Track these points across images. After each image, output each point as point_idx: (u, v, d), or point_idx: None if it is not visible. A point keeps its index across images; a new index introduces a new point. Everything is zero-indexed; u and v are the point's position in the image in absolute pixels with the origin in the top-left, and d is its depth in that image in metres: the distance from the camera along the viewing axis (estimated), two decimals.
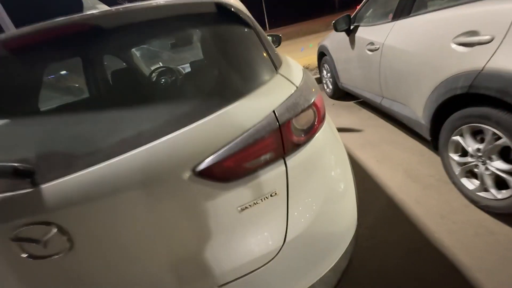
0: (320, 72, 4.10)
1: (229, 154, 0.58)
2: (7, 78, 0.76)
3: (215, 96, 0.68)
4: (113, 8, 0.76)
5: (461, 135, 1.50)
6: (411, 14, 1.85)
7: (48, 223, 0.54)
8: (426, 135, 1.80)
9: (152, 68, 1.11)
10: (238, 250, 0.64)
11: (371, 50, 2.29)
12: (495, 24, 1.21)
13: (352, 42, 2.67)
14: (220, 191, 0.59)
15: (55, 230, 0.54)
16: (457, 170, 1.60)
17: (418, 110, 1.81)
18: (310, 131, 0.70)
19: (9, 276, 0.59)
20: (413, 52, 1.75)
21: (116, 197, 0.55)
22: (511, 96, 1.14)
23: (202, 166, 0.57)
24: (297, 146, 0.67)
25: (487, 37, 1.24)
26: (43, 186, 0.54)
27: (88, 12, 0.73)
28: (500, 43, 1.18)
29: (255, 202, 0.62)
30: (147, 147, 0.56)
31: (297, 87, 0.70)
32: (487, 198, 1.42)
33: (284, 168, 0.65)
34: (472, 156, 1.47)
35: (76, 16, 0.72)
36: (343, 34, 2.82)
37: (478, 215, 1.46)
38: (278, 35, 2.67)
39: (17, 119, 0.75)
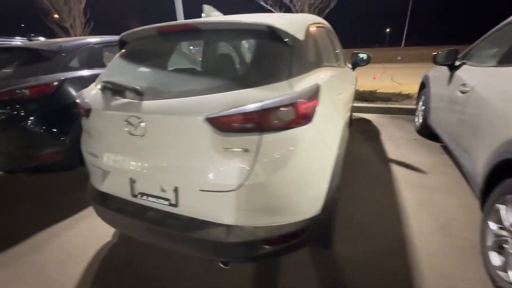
0: (417, 103, 3.77)
1: (226, 115, 0.98)
2: (156, 47, 1.40)
3: (237, 81, 1.09)
4: (212, 18, 1.27)
5: (506, 204, 1.35)
6: None
7: (139, 118, 1.11)
8: (478, 194, 1.64)
9: (217, 54, 1.61)
10: (212, 175, 1.05)
11: (461, 92, 2.10)
12: None
13: (451, 79, 2.45)
14: (216, 134, 1.00)
15: (142, 123, 1.11)
16: (490, 241, 1.44)
17: (479, 166, 1.65)
18: (287, 123, 1.00)
19: (117, 141, 1.22)
20: (496, 103, 1.60)
21: (170, 117, 1.06)
22: None
23: (210, 116, 0.99)
24: (274, 128, 0.99)
25: None
26: (144, 101, 1.12)
27: (203, 18, 1.27)
28: None
29: (233, 149, 1.00)
30: (194, 97, 1.04)
31: (290, 93, 1.02)
32: (504, 280, 1.27)
33: (260, 137, 0.99)
34: (507, 229, 1.32)
35: (194, 20, 1.27)
36: (446, 69, 2.60)
37: None
38: (367, 55, 2.75)
39: (150, 67, 1.38)
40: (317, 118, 1.12)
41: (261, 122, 0.98)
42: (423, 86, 3.47)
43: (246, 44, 1.24)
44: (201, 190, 1.09)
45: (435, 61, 2.51)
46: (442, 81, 2.70)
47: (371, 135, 3.62)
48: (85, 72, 2.48)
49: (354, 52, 2.85)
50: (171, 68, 1.36)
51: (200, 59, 1.42)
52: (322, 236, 1.43)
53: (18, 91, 2.09)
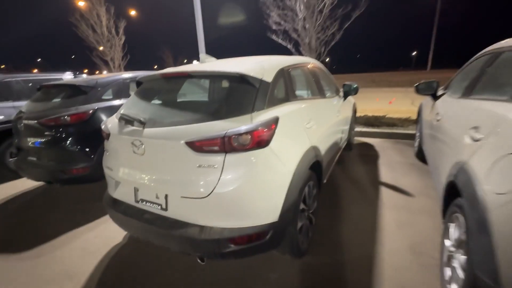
0: (416, 128, 3.89)
1: (198, 140, 1.32)
2: (159, 87, 1.84)
3: (211, 115, 1.44)
4: (198, 66, 1.68)
5: (453, 222, 1.51)
6: (468, 96, 1.85)
7: (141, 141, 1.50)
8: (441, 216, 1.78)
9: (200, 93, 2.04)
10: (190, 185, 1.37)
11: (436, 120, 2.29)
12: (487, 124, 1.29)
13: (433, 108, 2.64)
14: (192, 154, 1.34)
15: (142, 145, 1.49)
16: (445, 256, 1.57)
17: (440, 188, 1.81)
18: (246, 147, 1.32)
19: (126, 158, 1.62)
20: (451, 131, 1.79)
21: (161, 141, 1.44)
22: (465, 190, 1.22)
23: (188, 140, 1.35)
24: (235, 150, 1.31)
25: (479, 136, 1.32)
26: (145, 129, 1.51)
27: (196, 64, 1.69)
28: (482, 144, 1.26)
29: (204, 166, 1.33)
30: (178, 127, 1.42)
31: (249, 124, 1.34)
32: None
33: (224, 157, 1.31)
34: (453, 246, 1.46)
35: (188, 66, 1.69)
36: (431, 98, 2.79)
37: None
38: (354, 86, 3.04)
39: (153, 102, 1.80)
40: (274, 143, 1.42)
41: (224, 145, 1.31)
42: (420, 113, 3.62)
43: (222, 86, 1.61)
44: (182, 197, 1.42)
45: (417, 91, 2.72)
46: (428, 109, 2.88)
47: (370, 159, 3.76)
48: (115, 102, 3.04)
49: (345, 84, 3.15)
50: (166, 103, 1.78)
51: (188, 96, 1.83)
52: (290, 246, 1.65)
53: (62, 118, 2.65)
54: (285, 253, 1.72)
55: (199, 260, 1.50)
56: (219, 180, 1.33)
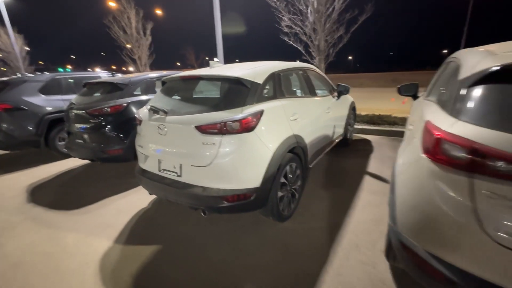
0: None
1: (203, 124, 1.87)
2: (178, 86, 2.42)
3: (214, 107, 1.98)
4: (209, 71, 2.23)
5: None
6: (427, 97, 2.23)
7: (164, 125, 2.08)
8: None
9: (208, 91, 2.57)
10: (197, 157, 1.92)
11: (409, 122, 2.67)
12: (417, 118, 1.71)
13: (412, 108, 3.00)
14: (199, 135, 1.88)
15: (165, 129, 2.07)
16: None
17: None
18: (236, 131, 1.84)
19: (153, 138, 2.21)
20: (407, 125, 2.20)
21: (178, 125, 2.01)
22: None
23: (197, 125, 1.90)
24: (229, 133, 1.84)
25: (411, 127, 1.75)
26: (167, 116, 2.09)
27: (207, 68, 2.25)
28: (410, 133, 1.69)
29: (207, 143, 1.87)
30: (190, 115, 1.98)
31: (240, 114, 1.87)
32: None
33: (221, 138, 1.84)
34: None
35: (201, 70, 2.26)
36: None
37: None
38: (347, 86, 3.45)
39: (173, 97, 2.38)
40: (258, 129, 1.94)
41: (221, 129, 1.85)
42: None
43: (224, 86, 2.14)
44: (192, 165, 1.98)
45: (399, 92, 3.08)
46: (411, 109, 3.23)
47: (364, 153, 4.14)
48: (143, 97, 3.69)
49: (339, 84, 3.58)
50: (183, 98, 2.36)
51: (199, 93, 2.39)
52: (271, 210, 2.16)
53: (104, 109, 3.34)
54: (268, 216, 2.24)
55: (202, 214, 2.06)
56: (217, 154, 1.87)
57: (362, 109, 6.68)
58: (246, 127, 1.89)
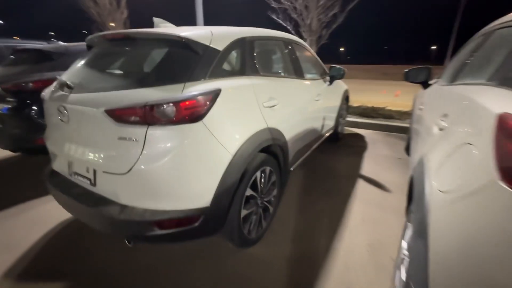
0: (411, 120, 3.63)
1: (117, 108, 1.17)
2: (99, 50, 1.65)
3: (140, 81, 1.27)
4: (143, 30, 1.48)
5: (410, 222, 1.33)
6: (452, 82, 1.62)
7: (65, 108, 1.35)
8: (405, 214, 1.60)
9: (135, 58, 1.70)
10: (110, 159, 1.23)
11: (419, 110, 2.06)
12: (455, 110, 1.08)
13: (421, 98, 2.39)
14: (112, 124, 1.18)
15: (66, 112, 1.35)
16: (399, 259, 1.41)
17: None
18: (170, 119, 1.15)
19: (56, 127, 1.48)
20: (425, 120, 1.58)
21: (81, 108, 1.29)
22: None
23: (107, 108, 1.19)
24: (159, 122, 1.15)
25: (444, 124, 1.12)
26: (71, 94, 1.36)
27: (146, 29, 1.50)
28: (445, 134, 1.06)
29: (125, 138, 1.17)
30: (100, 93, 1.27)
31: (177, 94, 1.17)
32: None
33: (146, 130, 1.15)
34: (406, 248, 1.29)
35: (135, 30, 1.51)
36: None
37: None
38: (342, 69, 2.79)
39: (89, 67, 1.60)
40: (209, 118, 1.25)
41: (145, 116, 1.15)
42: (413, 104, 3.35)
43: (160, 51, 1.42)
44: (104, 172, 1.28)
45: (406, 78, 2.46)
46: (418, 99, 2.62)
47: (356, 150, 3.55)
48: None
49: (332, 66, 2.90)
50: (101, 68, 1.60)
51: (125, 62, 1.65)
52: (230, 234, 1.51)
53: (24, 84, 2.52)
54: (227, 240, 1.59)
55: (126, 242, 1.38)
56: (140, 155, 1.18)
57: (353, 101, 6.11)
58: (189, 114, 1.19)
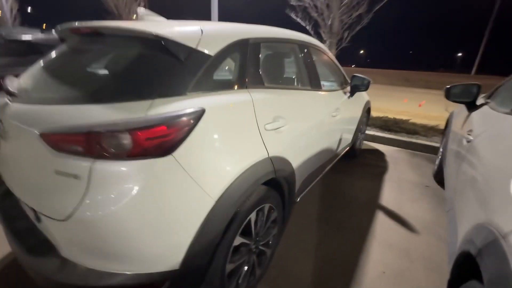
0: (441, 142, 3.15)
1: (54, 131, 0.84)
2: (74, 51, 1.31)
3: (94, 94, 0.92)
4: (120, 23, 1.14)
5: None
6: None
7: (1, 120, 1.05)
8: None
9: (97, 61, 1.32)
10: (46, 199, 0.90)
11: (466, 140, 1.63)
12: None
13: (466, 121, 1.94)
14: (49, 153, 0.85)
15: (4, 127, 1.04)
16: None
17: (454, 248, 1.21)
18: (125, 152, 0.81)
19: None
20: (486, 161, 1.15)
21: (17, 124, 0.97)
22: None
23: (43, 130, 0.86)
24: (110, 156, 0.81)
25: None
26: (12, 103, 1.04)
27: (122, 21, 1.16)
28: None
29: (63, 173, 0.84)
30: (43, 106, 0.95)
31: (140, 115, 0.83)
32: None
33: (91, 164, 0.81)
34: None
35: (102, 21, 1.17)
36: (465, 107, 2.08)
37: None
38: (366, 79, 2.36)
39: (46, 68, 1.24)
40: (184, 149, 0.90)
41: (90, 146, 0.81)
42: (448, 123, 2.88)
43: (131, 53, 1.07)
44: (40, 214, 0.95)
45: (447, 96, 2.01)
46: (460, 121, 2.17)
47: (375, 171, 3.11)
48: None
49: (354, 75, 2.48)
50: (58, 71, 1.24)
51: (86, 64, 1.29)
52: None
53: None
54: None
55: None
56: (82, 198, 0.84)
57: (372, 109, 5.61)
58: (152, 146, 0.84)
